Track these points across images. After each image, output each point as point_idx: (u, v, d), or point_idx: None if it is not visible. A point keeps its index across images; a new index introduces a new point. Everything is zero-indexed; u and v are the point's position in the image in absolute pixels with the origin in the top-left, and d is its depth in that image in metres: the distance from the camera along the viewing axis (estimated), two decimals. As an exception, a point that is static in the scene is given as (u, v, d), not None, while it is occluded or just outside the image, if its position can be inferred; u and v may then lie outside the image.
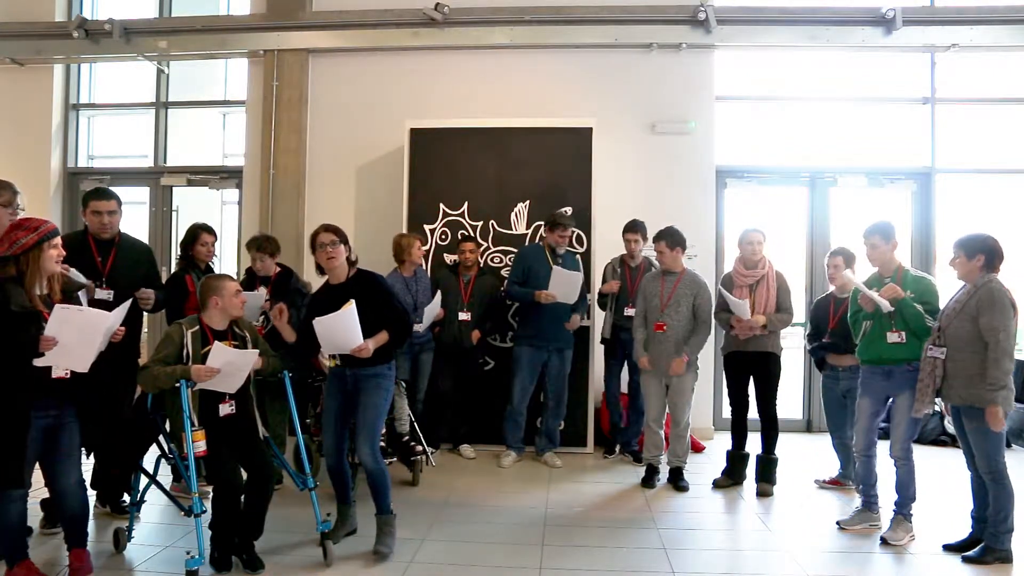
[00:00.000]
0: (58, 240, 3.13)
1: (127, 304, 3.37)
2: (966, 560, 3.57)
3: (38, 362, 2.98)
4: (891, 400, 4.00)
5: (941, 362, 3.61)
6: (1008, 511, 3.53)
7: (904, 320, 3.85)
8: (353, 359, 3.57)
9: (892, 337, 3.89)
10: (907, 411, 3.84)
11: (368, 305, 3.52)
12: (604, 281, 5.51)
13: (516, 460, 5.44)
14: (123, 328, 3.32)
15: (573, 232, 5.57)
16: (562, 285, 5.16)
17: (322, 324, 3.47)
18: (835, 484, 4.86)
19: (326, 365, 4.20)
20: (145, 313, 4.29)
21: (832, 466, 4.99)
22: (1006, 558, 3.53)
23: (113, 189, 4.25)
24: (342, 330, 3.47)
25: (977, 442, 3.57)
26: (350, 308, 3.45)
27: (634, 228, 5.50)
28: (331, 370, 3.76)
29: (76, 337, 3.01)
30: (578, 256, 5.69)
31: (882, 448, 4.13)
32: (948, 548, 3.72)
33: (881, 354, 3.94)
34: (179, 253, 4.81)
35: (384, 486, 3.67)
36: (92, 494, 3.97)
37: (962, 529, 3.79)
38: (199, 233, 4.69)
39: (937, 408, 3.93)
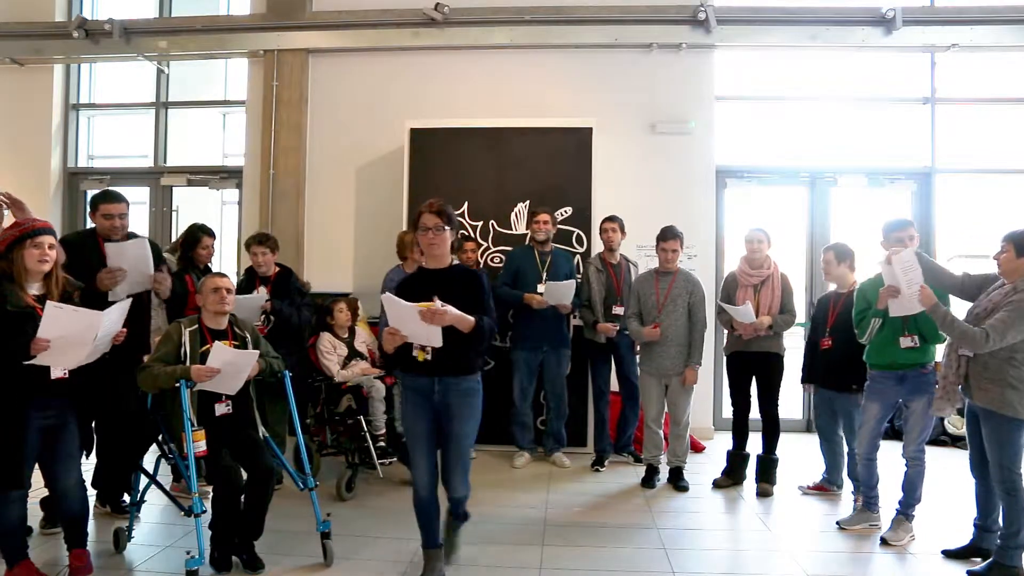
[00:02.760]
0: (43, 239, 3.09)
1: (126, 303, 3.35)
2: (971, 575, 3.44)
3: (33, 361, 2.98)
4: (901, 402, 3.96)
5: (967, 360, 3.47)
6: (1021, 525, 3.34)
7: (918, 325, 3.80)
8: (442, 366, 3.12)
9: (905, 342, 3.84)
10: (923, 414, 3.80)
11: (465, 301, 3.08)
12: (587, 282, 5.37)
13: (529, 461, 5.45)
14: (124, 329, 3.31)
15: (549, 218, 5.42)
16: (556, 296, 5.19)
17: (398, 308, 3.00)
18: (819, 490, 4.75)
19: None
20: (152, 315, 4.28)
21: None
22: (1016, 575, 3.35)
23: (117, 190, 4.25)
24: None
25: (993, 450, 3.40)
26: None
27: (613, 219, 5.41)
28: (409, 385, 3.23)
29: (69, 336, 3.00)
30: (576, 256, 5.69)
31: (887, 448, 4.13)
32: (948, 554, 3.66)
33: (895, 359, 3.89)
34: (178, 253, 4.80)
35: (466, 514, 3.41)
36: (92, 494, 3.99)
37: (962, 531, 3.76)
38: (200, 236, 4.68)
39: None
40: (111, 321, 3.17)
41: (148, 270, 3.99)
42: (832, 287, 4.71)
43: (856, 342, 4.11)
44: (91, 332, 3.05)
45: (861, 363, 4.13)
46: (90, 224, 4.12)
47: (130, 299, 3.52)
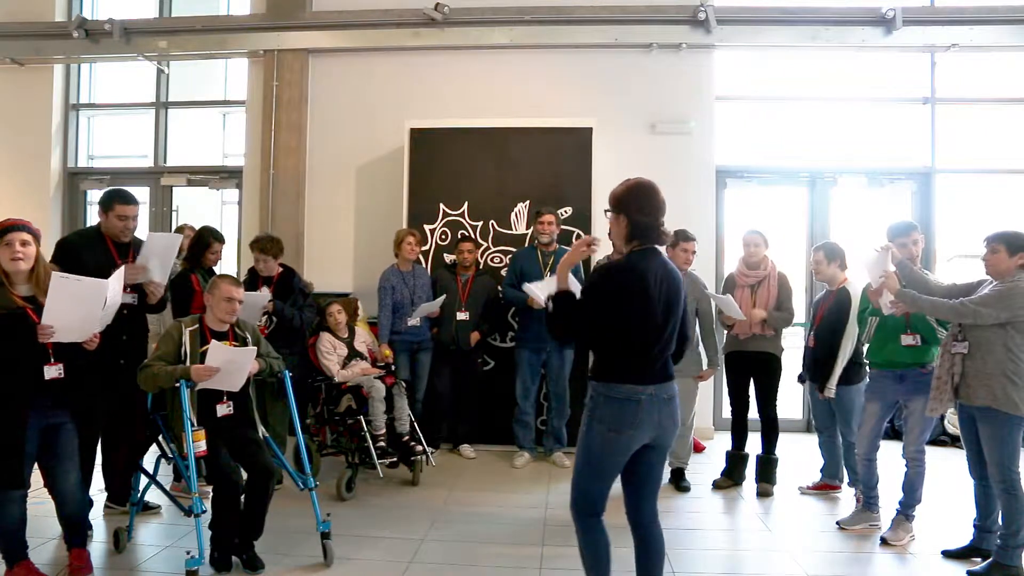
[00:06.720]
0: (12, 237, 3.04)
1: (121, 271, 3.41)
2: (971, 575, 3.44)
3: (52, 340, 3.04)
4: (900, 402, 3.95)
5: (961, 358, 3.45)
6: (1021, 524, 3.32)
7: (918, 325, 3.81)
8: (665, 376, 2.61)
9: (907, 339, 3.84)
10: (921, 414, 3.78)
11: None
12: None
13: (529, 460, 5.45)
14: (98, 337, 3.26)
15: (554, 219, 5.41)
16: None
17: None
18: (820, 488, 4.74)
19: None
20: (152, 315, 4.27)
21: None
22: (1015, 575, 3.33)
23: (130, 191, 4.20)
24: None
25: (991, 449, 3.38)
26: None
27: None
28: (644, 397, 2.51)
29: (76, 308, 3.06)
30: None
31: (887, 448, 4.13)
32: (948, 554, 3.65)
33: (894, 357, 3.88)
34: (185, 254, 4.76)
35: None
36: (104, 495, 4.08)
37: (962, 531, 3.76)
38: (210, 242, 4.63)
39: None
40: (115, 291, 3.23)
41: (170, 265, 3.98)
42: (826, 286, 4.71)
43: (836, 343, 4.30)
44: (98, 300, 3.12)
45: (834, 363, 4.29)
46: (92, 222, 4.09)
47: (123, 266, 3.57)
